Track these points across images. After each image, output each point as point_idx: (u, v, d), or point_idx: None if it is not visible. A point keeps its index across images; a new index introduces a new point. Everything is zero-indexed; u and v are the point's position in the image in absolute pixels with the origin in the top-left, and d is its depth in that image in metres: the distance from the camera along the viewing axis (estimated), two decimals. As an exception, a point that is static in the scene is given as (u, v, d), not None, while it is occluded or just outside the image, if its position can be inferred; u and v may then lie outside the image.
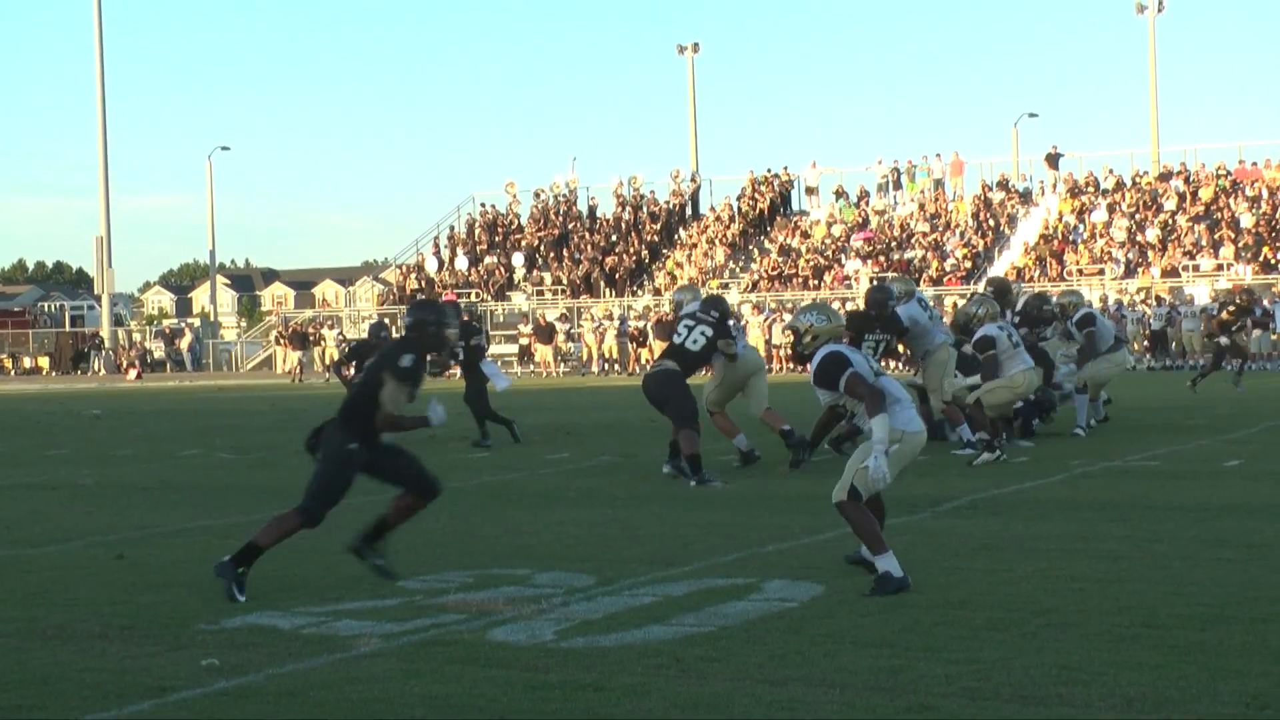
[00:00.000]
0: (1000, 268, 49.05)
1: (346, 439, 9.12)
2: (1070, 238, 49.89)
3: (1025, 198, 53.47)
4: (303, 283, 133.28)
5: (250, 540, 9.07)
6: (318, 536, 11.38)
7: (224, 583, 8.81)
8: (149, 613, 8.48)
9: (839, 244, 53.08)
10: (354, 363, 19.90)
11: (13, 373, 62.20)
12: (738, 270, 53.24)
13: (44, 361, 62.51)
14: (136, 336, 68.07)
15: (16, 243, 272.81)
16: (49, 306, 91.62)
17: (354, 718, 6.25)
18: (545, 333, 49.06)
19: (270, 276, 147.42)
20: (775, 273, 52.05)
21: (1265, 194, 49.30)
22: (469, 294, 55.14)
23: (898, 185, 55.46)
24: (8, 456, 19.69)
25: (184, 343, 63.20)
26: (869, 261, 50.71)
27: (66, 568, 10.17)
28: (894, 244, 51.91)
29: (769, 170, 58.03)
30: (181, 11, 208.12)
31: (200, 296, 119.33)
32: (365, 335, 23.50)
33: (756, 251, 54.81)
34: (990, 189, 54.10)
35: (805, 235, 54.43)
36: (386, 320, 23.65)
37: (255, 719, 6.28)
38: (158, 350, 63.12)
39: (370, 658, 7.32)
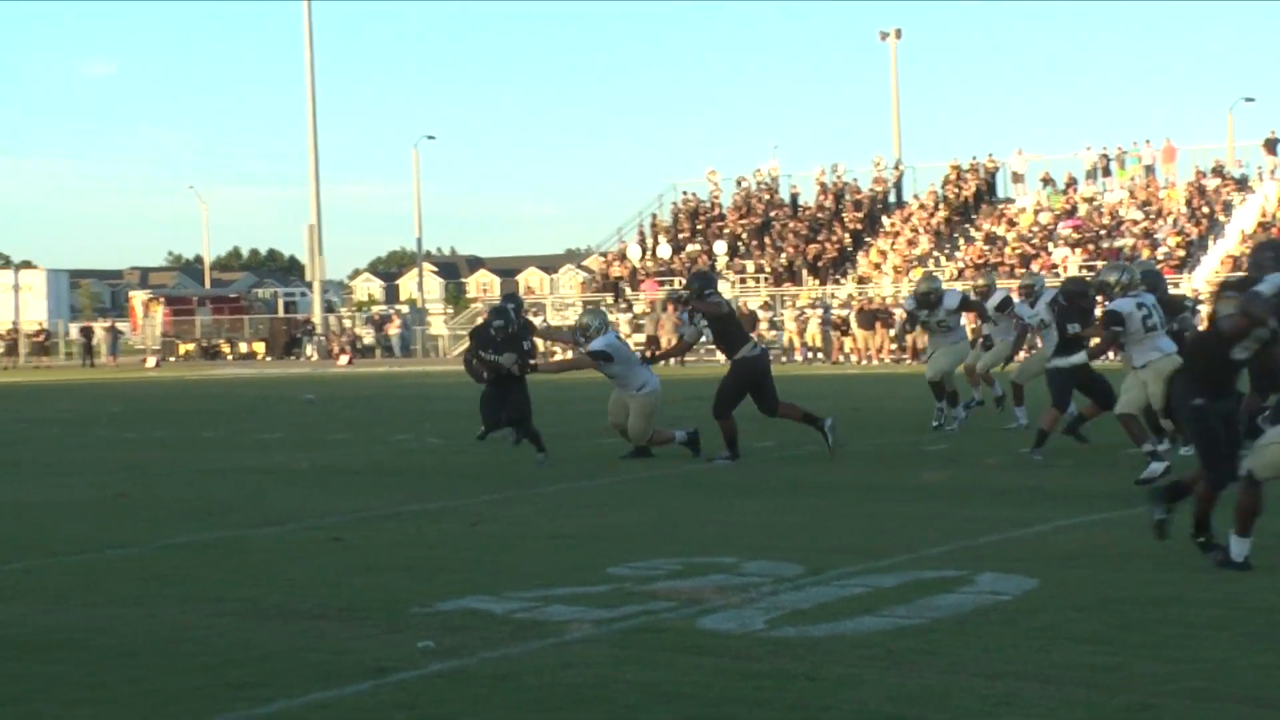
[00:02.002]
0: (1215, 257, 47.58)
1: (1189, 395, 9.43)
2: (1290, 225, 48.17)
3: (1241, 184, 51.77)
4: (507, 270, 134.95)
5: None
6: (528, 524, 11.55)
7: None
8: (365, 595, 8.64)
9: (1046, 231, 52.03)
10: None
11: (229, 357, 64.20)
12: (942, 258, 52.50)
13: (259, 347, 64.30)
14: (347, 323, 69.61)
15: (231, 231, 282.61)
16: (262, 293, 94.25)
17: (567, 702, 6.29)
18: (748, 321, 48.97)
19: (475, 264, 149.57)
20: (981, 260, 51.17)
21: None
22: (671, 281, 55.22)
23: (1106, 172, 54.05)
24: (225, 440, 20.27)
25: (392, 329, 64.45)
26: (1077, 249, 49.65)
27: (284, 549, 10.43)
28: (1103, 232, 50.71)
29: (974, 158, 57.18)
30: (388, 5, 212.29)
31: (407, 283, 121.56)
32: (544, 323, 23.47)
33: (961, 239, 53.98)
34: (1204, 175, 52.47)
35: (1011, 223, 53.43)
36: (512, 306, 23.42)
37: (470, 702, 6.34)
38: (367, 336, 64.49)
39: (582, 643, 7.36)
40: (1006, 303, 18.82)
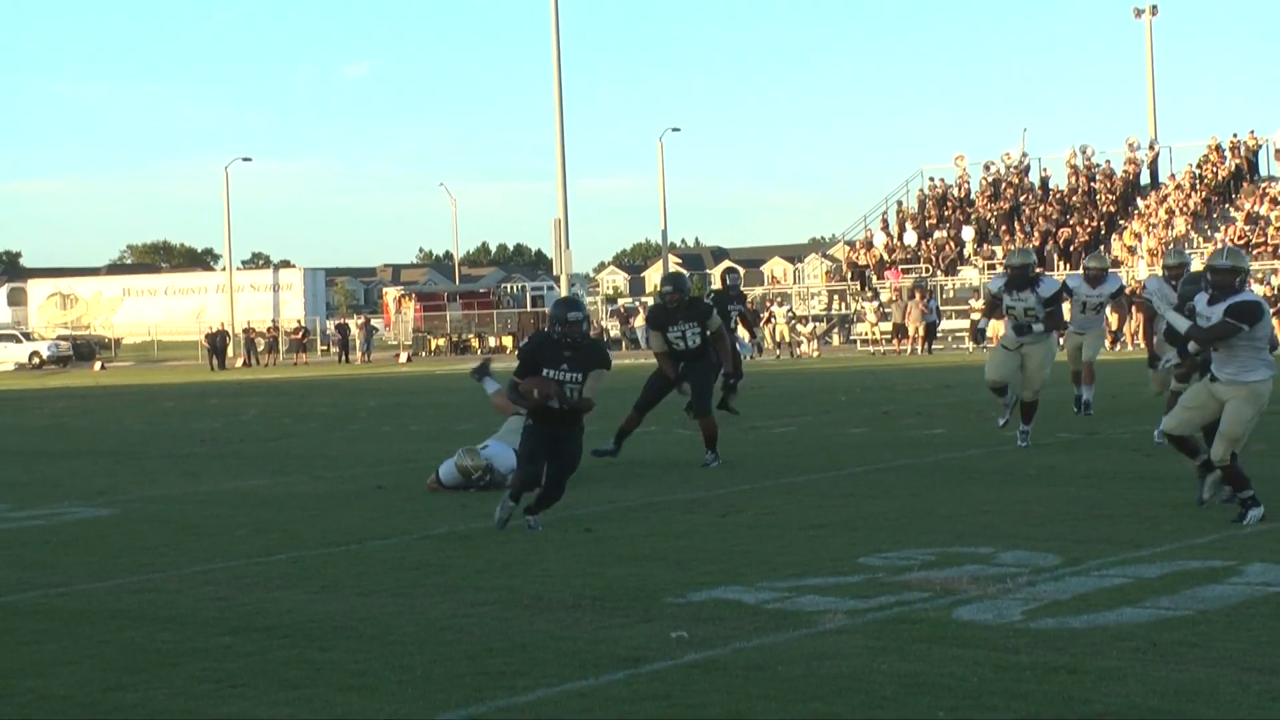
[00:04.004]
0: None
1: None
2: None
3: None
4: (752, 260, 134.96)
5: None
6: (778, 514, 11.56)
7: None
8: (618, 585, 8.75)
9: (1312, 210, 50.10)
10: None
11: (479, 351, 65.47)
12: (1201, 240, 50.93)
13: (507, 340, 65.39)
14: (593, 315, 70.41)
15: (480, 227, 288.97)
16: (510, 288, 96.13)
17: (822, 693, 6.27)
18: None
19: (720, 255, 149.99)
20: (1242, 241, 49.54)
21: None
22: (919, 269, 54.66)
23: (1382, 144, 51.86)
24: (479, 433, 20.63)
25: (638, 321, 65.02)
26: None
27: (539, 540, 10.60)
28: None
29: (1234, 135, 55.33)
30: (633, 2, 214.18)
31: (652, 275, 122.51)
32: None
33: (1220, 220, 52.31)
34: None
35: (1275, 202, 51.57)
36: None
37: (724, 692, 6.36)
38: (613, 328, 65.17)
39: (836, 634, 7.34)
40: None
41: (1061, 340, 15.65)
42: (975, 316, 49.47)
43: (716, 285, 24.52)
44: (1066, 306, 16.56)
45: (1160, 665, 6.51)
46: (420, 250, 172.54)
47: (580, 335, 10.76)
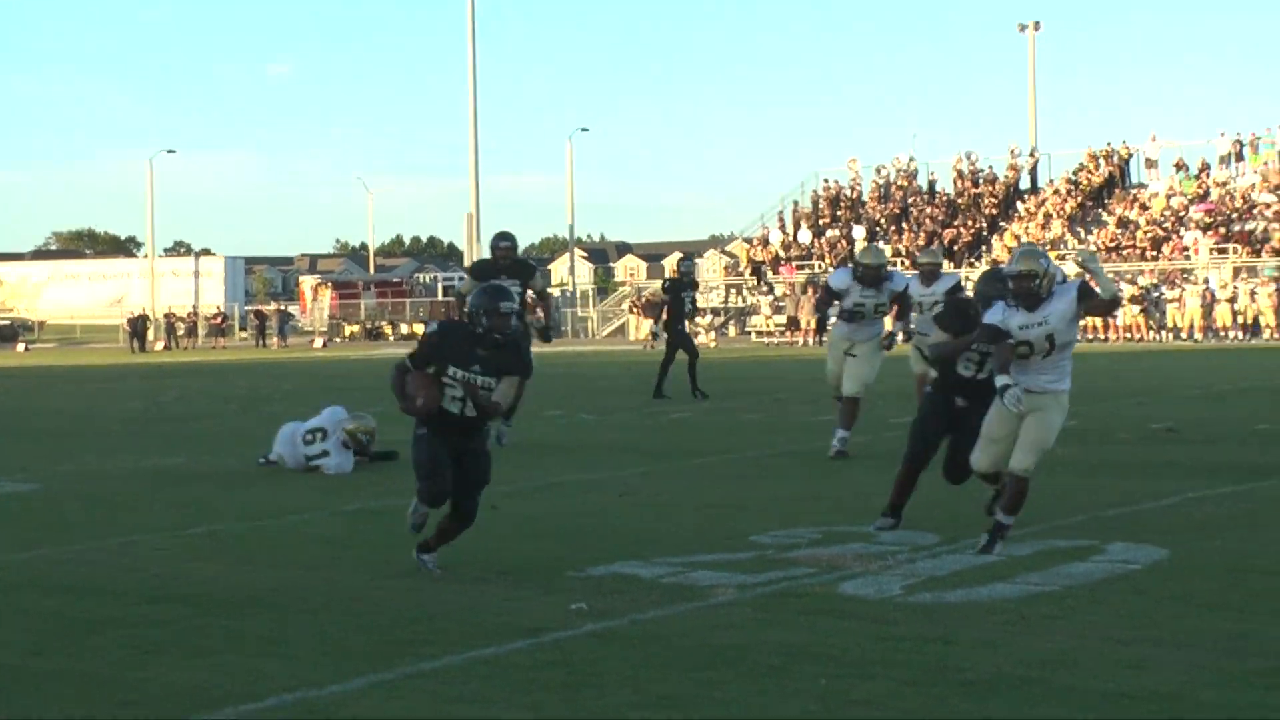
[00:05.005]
0: None
1: None
2: None
3: None
4: (654, 255, 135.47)
5: None
6: (674, 495, 11.97)
7: None
8: (522, 560, 9.08)
9: (1178, 216, 51.93)
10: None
11: (391, 338, 66.07)
12: (1076, 242, 52.53)
13: (419, 328, 65.84)
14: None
15: (394, 220, 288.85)
16: (423, 278, 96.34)
17: (713, 662, 6.61)
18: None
19: (623, 249, 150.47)
20: (1113, 244, 51.42)
21: None
22: (811, 265, 55.75)
23: (1240, 157, 53.82)
24: (393, 416, 20.87)
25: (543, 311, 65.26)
26: (1208, 233, 49.60)
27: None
28: (1235, 215, 50.50)
29: (1108, 144, 57.22)
30: (545, 4, 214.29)
31: (559, 268, 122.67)
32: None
33: (1093, 224, 54.06)
34: (1341, 159, 51.86)
35: (1144, 207, 53.40)
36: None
37: (621, 660, 6.69)
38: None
39: (727, 606, 7.72)
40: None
41: (901, 337, 14.87)
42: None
43: (671, 274, 24.96)
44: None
45: (1028, 636, 6.93)
46: (337, 241, 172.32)
47: (508, 332, 8.77)
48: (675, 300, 22.98)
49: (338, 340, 66.86)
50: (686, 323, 23.12)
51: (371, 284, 77.20)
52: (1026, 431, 9.10)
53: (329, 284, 76.92)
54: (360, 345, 62.46)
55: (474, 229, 60.63)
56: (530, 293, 15.75)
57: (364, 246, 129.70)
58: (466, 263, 70.74)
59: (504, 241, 15.90)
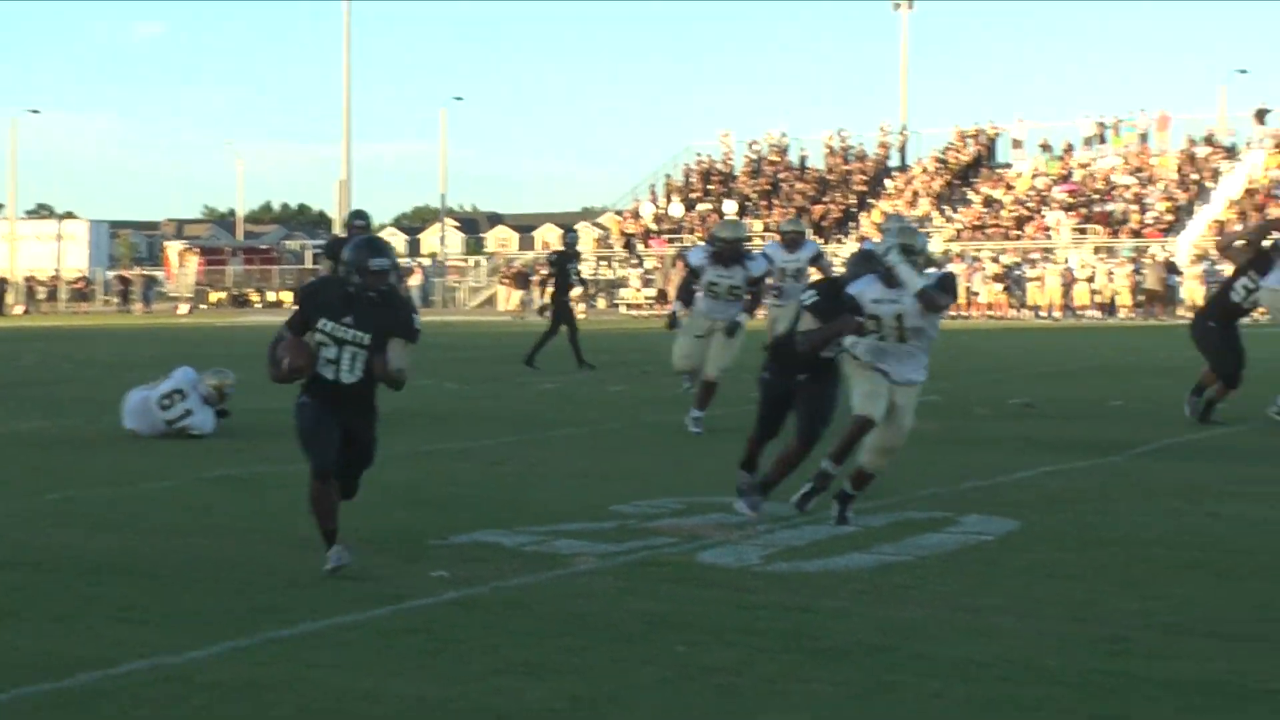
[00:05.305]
0: (1201, 222, 48.64)
1: None
2: (1274, 193, 48.95)
3: (1230, 153, 52.53)
4: (525, 226, 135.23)
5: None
6: (537, 464, 12.01)
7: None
8: (386, 528, 9.05)
9: (1041, 196, 53.09)
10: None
11: (259, 305, 65.48)
12: (943, 220, 53.48)
13: (286, 295, 65.39)
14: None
15: (265, 187, 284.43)
16: (292, 245, 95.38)
17: (573, 629, 6.69)
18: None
19: (495, 220, 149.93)
20: (978, 223, 52.45)
21: None
22: (681, 239, 56.10)
23: (1102, 140, 55.22)
24: (255, 383, 20.69)
25: (414, 281, 64.87)
26: (1070, 213, 50.82)
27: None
28: (1096, 196, 51.74)
29: (975, 124, 58.32)
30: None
31: (429, 238, 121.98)
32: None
33: (959, 202, 55.10)
34: (1195, 144, 53.20)
35: (1009, 187, 54.50)
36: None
37: (481, 627, 6.74)
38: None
39: (588, 575, 7.80)
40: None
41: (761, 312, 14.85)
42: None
43: (558, 245, 24.98)
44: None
45: (882, 605, 7.09)
46: (205, 207, 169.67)
47: (384, 290, 8.05)
48: (561, 272, 23.11)
49: (203, 307, 66.18)
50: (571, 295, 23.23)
51: (239, 250, 76.55)
52: (883, 430, 9.00)
53: (195, 250, 76.22)
54: (227, 312, 62.04)
55: (346, 196, 60.15)
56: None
57: (232, 213, 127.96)
58: (336, 230, 70.29)
59: (359, 220, 15.72)
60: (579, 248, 25.04)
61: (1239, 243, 15.08)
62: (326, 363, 7.99)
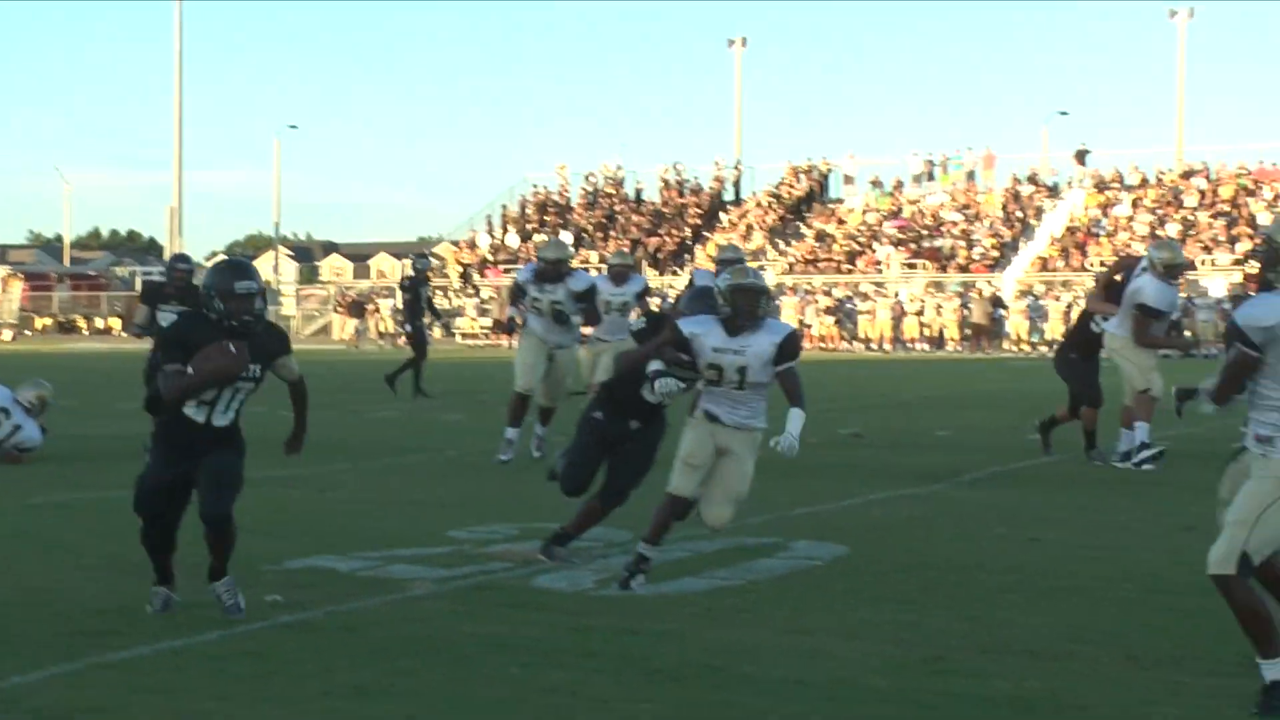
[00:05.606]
0: (1026, 258, 50.11)
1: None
2: (1094, 231, 50.53)
3: (1053, 192, 54.27)
4: (360, 255, 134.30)
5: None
6: (375, 491, 11.99)
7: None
8: (217, 554, 8.97)
9: (872, 231, 54.18)
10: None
11: (86, 332, 64.27)
12: (774, 253, 54.30)
13: (114, 322, 64.32)
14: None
15: (93, 212, 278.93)
16: (121, 271, 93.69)
17: (407, 652, 6.70)
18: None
19: (329, 248, 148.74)
20: (811, 256, 53.39)
21: (1285, 194, 49.72)
22: (519, 269, 56.41)
23: (931, 176, 56.52)
24: (85, 408, 20.33)
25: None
26: (900, 248, 51.98)
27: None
28: (925, 232, 53.01)
29: (809, 159, 59.20)
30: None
31: (263, 266, 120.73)
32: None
33: (793, 236, 56.03)
34: (1020, 182, 54.87)
35: (841, 222, 55.52)
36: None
37: (315, 650, 6.72)
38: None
39: (423, 599, 7.82)
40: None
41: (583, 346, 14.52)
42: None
43: (409, 271, 25.00)
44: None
45: (713, 627, 7.21)
46: (30, 232, 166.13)
47: (254, 318, 7.37)
48: (415, 297, 23.22)
49: (28, 333, 64.67)
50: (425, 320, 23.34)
51: (66, 276, 75.03)
52: (722, 480, 8.49)
53: (20, 275, 74.42)
54: (53, 339, 60.77)
55: (177, 222, 59.33)
56: None
57: (59, 238, 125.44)
58: (166, 256, 69.30)
59: (182, 264, 14.94)
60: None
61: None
62: (200, 404, 7.34)
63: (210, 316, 7.30)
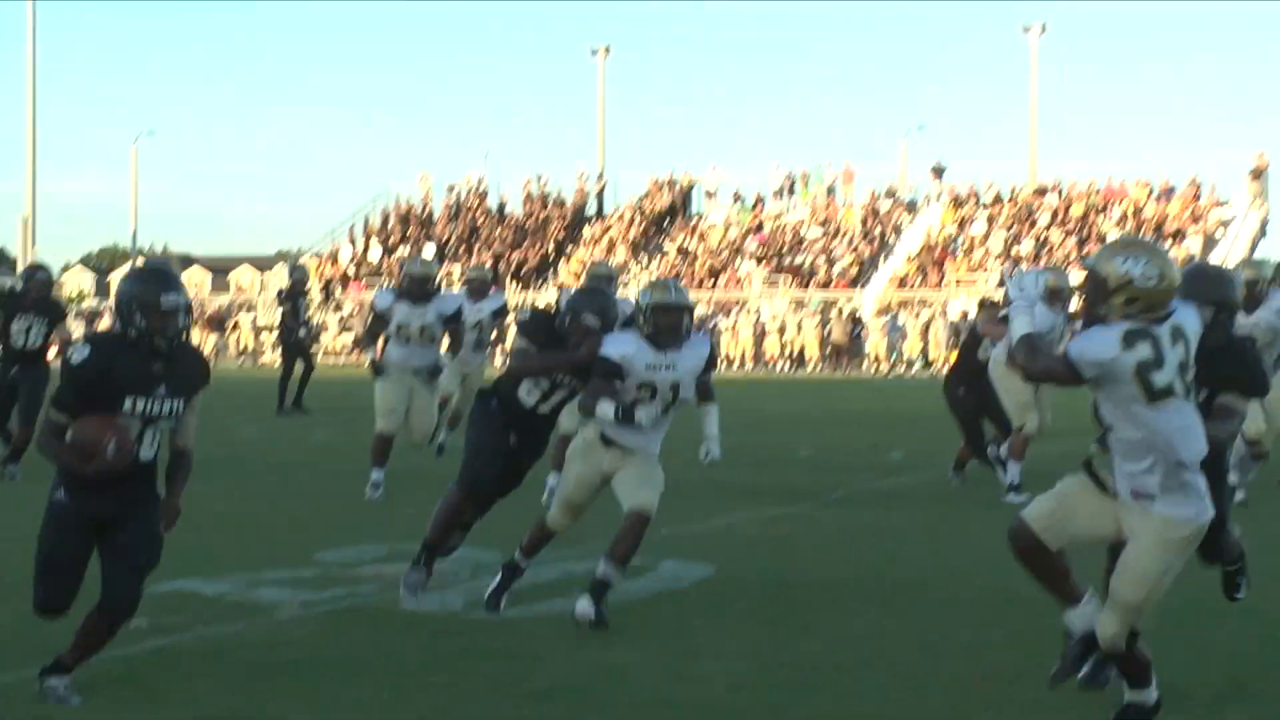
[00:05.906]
0: (885, 275, 50.74)
1: None
2: (951, 248, 51.32)
3: (911, 207, 54.94)
4: (220, 268, 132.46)
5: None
6: (239, 513, 11.89)
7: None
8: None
9: (734, 247, 54.37)
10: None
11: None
12: (639, 269, 54.28)
13: (-41, 337, 62.46)
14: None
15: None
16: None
17: (276, 676, 6.71)
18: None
19: (187, 262, 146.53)
20: (674, 273, 53.41)
21: (1131, 211, 50.73)
22: (382, 283, 55.60)
23: (792, 190, 56.80)
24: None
25: (103, 324, 62.99)
26: (762, 264, 52.29)
27: (6, 540, 10.52)
28: (786, 248, 53.36)
29: (671, 172, 59.27)
30: (109, 3, 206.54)
31: (119, 279, 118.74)
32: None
33: (656, 251, 55.99)
34: (879, 198, 55.51)
35: (703, 237, 55.63)
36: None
37: (182, 676, 6.70)
38: (77, 330, 62.82)
39: (290, 622, 7.81)
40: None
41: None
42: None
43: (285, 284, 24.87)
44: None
45: (585, 649, 7.29)
46: None
47: (174, 335, 6.38)
48: (294, 309, 23.05)
49: None
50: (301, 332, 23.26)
51: (-92, 289, 73.26)
52: (626, 479, 8.21)
53: None
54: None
55: (30, 233, 58.13)
56: (56, 336, 14.03)
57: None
58: (18, 270, 67.90)
59: (39, 273, 14.31)
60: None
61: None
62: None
63: (130, 335, 6.31)
